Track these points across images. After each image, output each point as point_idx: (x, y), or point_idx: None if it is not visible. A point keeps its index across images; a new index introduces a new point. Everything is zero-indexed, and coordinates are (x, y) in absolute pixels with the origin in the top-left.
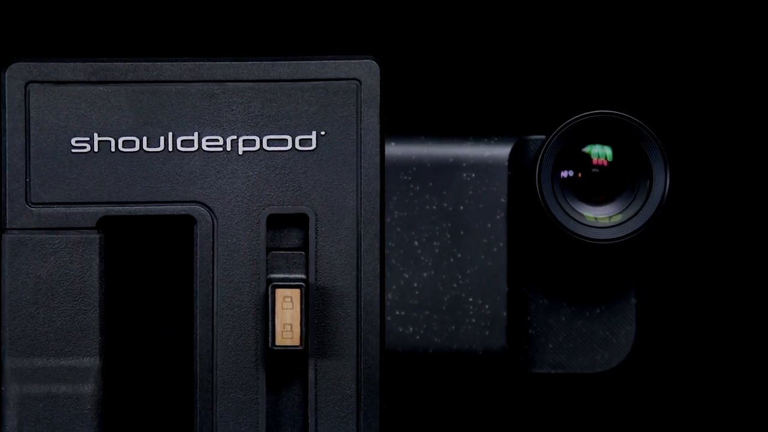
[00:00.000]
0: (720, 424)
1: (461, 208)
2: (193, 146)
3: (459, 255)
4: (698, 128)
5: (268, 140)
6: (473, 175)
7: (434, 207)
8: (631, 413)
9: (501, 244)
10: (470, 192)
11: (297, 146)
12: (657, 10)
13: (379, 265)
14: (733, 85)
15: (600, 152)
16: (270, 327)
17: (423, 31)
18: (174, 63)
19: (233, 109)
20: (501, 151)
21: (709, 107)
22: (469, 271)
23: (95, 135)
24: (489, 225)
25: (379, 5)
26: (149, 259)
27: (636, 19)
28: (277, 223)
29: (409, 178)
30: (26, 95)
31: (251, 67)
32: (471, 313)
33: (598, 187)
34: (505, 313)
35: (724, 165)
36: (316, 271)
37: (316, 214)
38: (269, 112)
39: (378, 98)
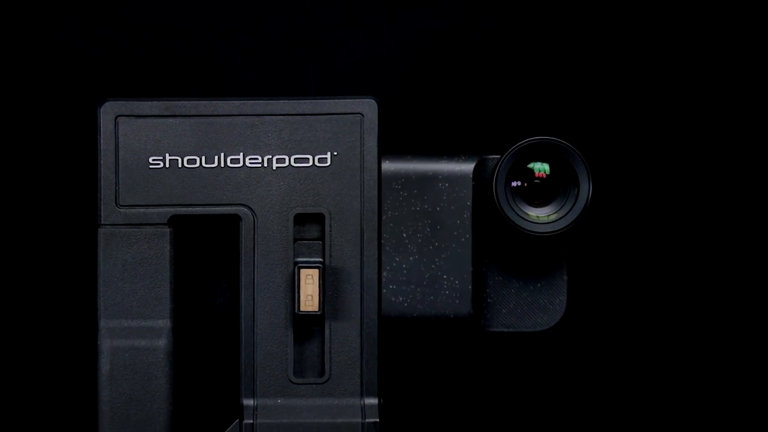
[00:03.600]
0: (632, 371)
1: (438, 209)
2: (239, 163)
3: (436, 244)
4: (615, 149)
5: (294, 159)
6: (447, 184)
7: (418, 208)
8: (564, 360)
9: (467, 236)
10: (444, 197)
11: (316, 163)
12: (586, 53)
13: (376, 252)
14: (644, 113)
15: (540, 167)
16: (296, 297)
17: (412, 78)
18: (225, 101)
19: (269, 136)
20: (467, 167)
21: (623, 132)
22: (443, 256)
23: (167, 155)
24: (458, 222)
25: (382, 60)
26: (207, 247)
27: (566, 64)
28: (301, 220)
29: (399, 186)
30: (116, 126)
31: (282, 105)
32: (445, 287)
33: (539, 193)
34: (470, 287)
35: (634, 176)
36: (330, 256)
37: (330, 214)
38: (296, 137)
39: (376, 127)
